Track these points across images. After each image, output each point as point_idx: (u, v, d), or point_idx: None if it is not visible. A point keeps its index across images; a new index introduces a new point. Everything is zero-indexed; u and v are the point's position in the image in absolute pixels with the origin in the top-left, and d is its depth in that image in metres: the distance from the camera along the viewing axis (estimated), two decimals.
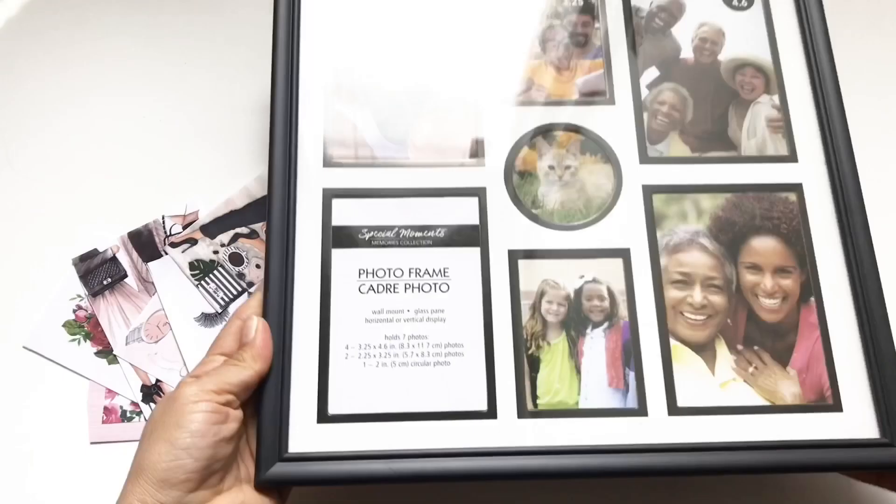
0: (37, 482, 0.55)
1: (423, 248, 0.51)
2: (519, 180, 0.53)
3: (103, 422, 0.57)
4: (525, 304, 0.50)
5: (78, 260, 0.61)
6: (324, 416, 0.47)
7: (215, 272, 0.61)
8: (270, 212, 0.50)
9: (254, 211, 0.62)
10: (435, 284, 0.50)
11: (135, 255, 0.61)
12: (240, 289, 0.60)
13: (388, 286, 0.50)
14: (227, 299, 0.60)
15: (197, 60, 0.68)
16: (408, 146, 0.53)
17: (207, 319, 0.59)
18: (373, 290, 0.50)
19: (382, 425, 0.47)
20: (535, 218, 0.52)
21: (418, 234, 0.51)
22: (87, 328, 0.60)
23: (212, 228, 0.62)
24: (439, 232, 0.51)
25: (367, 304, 0.49)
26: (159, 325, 0.59)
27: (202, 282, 0.60)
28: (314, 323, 0.48)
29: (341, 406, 0.47)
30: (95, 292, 0.60)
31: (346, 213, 0.51)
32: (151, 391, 0.58)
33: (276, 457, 0.46)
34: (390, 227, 0.51)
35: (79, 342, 0.59)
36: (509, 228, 0.51)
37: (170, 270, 0.61)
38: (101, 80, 0.67)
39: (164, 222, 0.62)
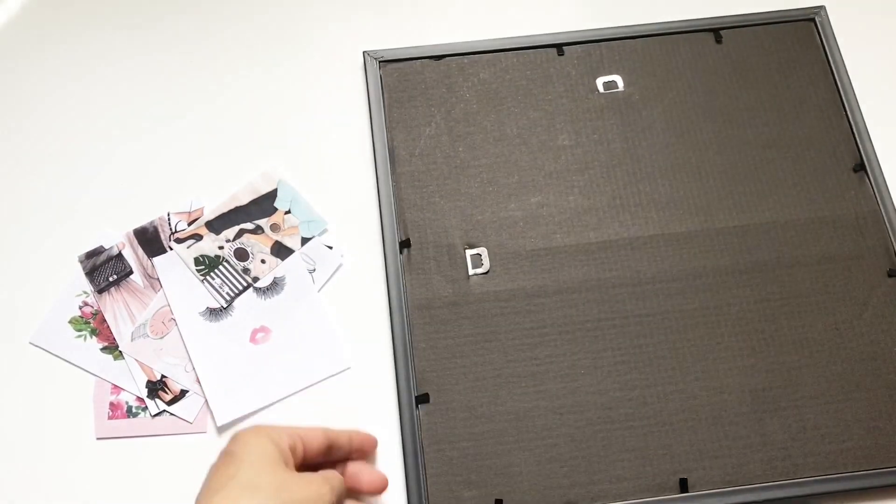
0: (43, 477, 0.55)
1: None
2: None
3: (109, 417, 0.57)
4: None
5: (84, 257, 0.61)
6: None
7: (220, 267, 0.61)
8: None
9: (258, 207, 0.62)
10: None
11: (140, 251, 0.62)
12: (245, 284, 0.60)
13: None
14: (232, 294, 0.60)
15: (201, 57, 0.68)
16: None
17: (213, 314, 0.59)
18: None
19: None
20: None
21: None
22: (92, 324, 0.60)
23: (217, 224, 0.62)
24: None
25: None
26: (164, 320, 0.59)
27: (207, 277, 0.60)
28: None
29: None
30: (101, 289, 0.60)
31: None
32: (157, 387, 0.58)
33: None
34: None
35: (85, 338, 0.59)
36: None
37: (175, 266, 0.61)
38: (104, 78, 0.68)
39: (169, 219, 0.62)
